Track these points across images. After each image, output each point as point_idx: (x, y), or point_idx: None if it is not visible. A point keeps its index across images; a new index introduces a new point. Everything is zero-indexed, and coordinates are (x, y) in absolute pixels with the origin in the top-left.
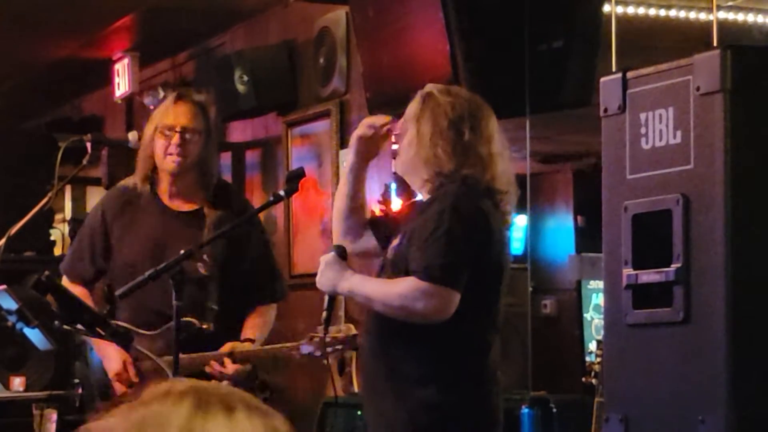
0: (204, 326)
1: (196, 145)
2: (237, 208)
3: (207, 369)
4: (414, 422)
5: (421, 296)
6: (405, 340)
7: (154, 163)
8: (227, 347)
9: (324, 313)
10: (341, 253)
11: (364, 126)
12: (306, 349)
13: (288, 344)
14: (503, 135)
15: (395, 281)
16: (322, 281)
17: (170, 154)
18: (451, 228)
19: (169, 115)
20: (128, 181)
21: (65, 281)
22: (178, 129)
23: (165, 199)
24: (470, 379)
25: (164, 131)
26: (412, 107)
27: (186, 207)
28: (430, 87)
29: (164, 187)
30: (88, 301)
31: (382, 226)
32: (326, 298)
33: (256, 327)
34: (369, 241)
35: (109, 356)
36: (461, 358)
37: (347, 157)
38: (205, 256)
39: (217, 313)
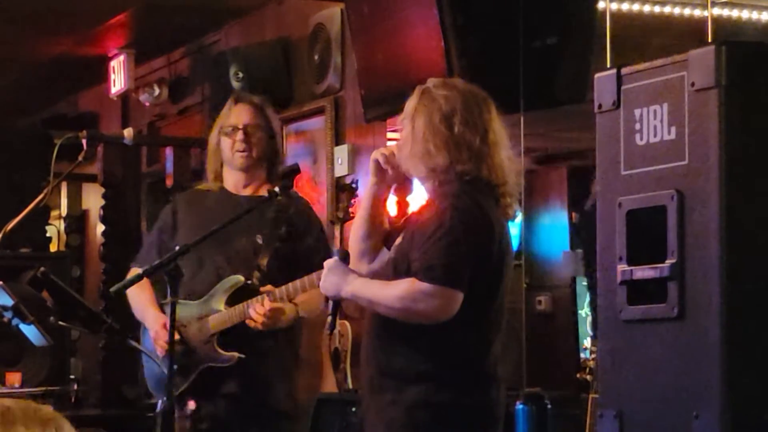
0: (249, 282)
1: (260, 140)
2: (297, 203)
3: (250, 312)
4: (411, 419)
5: (424, 297)
6: (404, 338)
7: (222, 165)
8: (267, 288)
9: (328, 318)
10: (344, 258)
11: (378, 153)
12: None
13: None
14: (503, 126)
15: (397, 283)
16: (326, 286)
17: (237, 151)
18: (452, 228)
19: (230, 116)
20: (200, 184)
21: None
22: (240, 126)
23: (233, 191)
24: (469, 377)
25: (228, 131)
26: (410, 103)
27: (252, 193)
28: (429, 82)
29: (233, 181)
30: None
31: (392, 237)
32: (330, 302)
33: (302, 299)
34: (383, 259)
35: (148, 320)
36: (460, 356)
37: (367, 180)
38: (264, 230)
39: (265, 274)
